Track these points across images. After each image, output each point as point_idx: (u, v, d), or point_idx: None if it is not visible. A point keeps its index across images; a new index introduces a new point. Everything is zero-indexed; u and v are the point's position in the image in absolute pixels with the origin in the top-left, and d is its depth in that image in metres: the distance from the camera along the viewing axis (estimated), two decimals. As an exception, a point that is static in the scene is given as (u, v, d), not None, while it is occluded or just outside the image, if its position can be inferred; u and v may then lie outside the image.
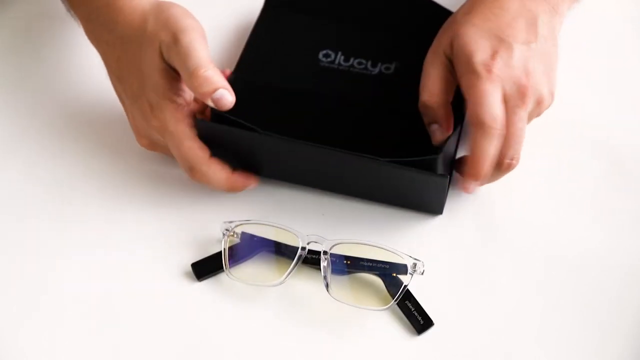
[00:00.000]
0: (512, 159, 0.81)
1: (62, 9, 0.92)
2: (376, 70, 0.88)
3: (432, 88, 0.83)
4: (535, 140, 0.86)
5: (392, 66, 0.89)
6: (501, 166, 0.81)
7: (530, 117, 0.82)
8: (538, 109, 0.82)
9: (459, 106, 0.83)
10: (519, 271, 0.82)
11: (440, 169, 0.80)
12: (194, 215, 0.86)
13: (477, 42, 0.81)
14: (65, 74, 0.95)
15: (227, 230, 0.82)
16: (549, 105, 0.82)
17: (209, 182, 0.85)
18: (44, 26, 0.99)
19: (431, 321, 0.78)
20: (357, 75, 0.88)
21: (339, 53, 0.89)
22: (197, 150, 0.83)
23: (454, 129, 0.83)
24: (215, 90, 0.80)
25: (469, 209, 0.86)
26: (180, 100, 0.83)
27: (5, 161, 0.90)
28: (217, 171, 0.84)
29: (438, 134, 0.83)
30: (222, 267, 0.82)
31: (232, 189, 0.85)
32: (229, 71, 0.89)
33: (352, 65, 0.89)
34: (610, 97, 0.91)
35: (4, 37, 0.99)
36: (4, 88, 0.95)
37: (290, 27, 0.92)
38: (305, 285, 0.81)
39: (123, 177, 0.88)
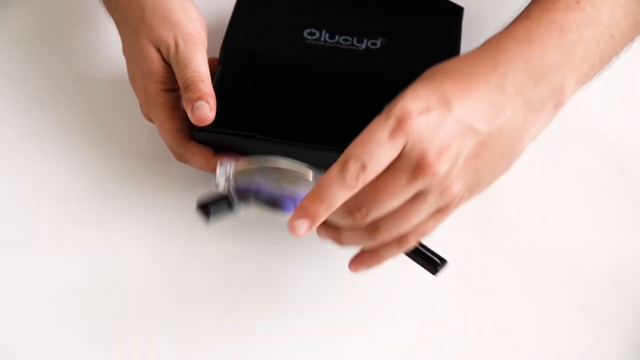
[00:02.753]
0: (366, 215, 0.68)
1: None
2: (363, 45, 0.88)
3: None
4: (534, 140, 0.86)
5: (378, 42, 0.88)
6: (353, 214, 0.69)
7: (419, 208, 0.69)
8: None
9: None
10: (518, 271, 0.82)
11: None
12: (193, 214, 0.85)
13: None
14: (63, 75, 0.95)
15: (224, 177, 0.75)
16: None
17: (191, 165, 0.84)
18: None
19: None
20: (345, 51, 0.88)
21: (324, 31, 0.89)
22: (174, 133, 0.83)
23: None
24: (199, 98, 0.81)
25: (468, 209, 0.85)
26: (163, 86, 0.83)
27: (4, 160, 0.89)
28: (196, 154, 0.83)
29: None
30: (231, 207, 0.74)
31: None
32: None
33: (338, 42, 0.88)
34: (611, 97, 0.92)
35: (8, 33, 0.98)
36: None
37: (270, 9, 0.91)
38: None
39: (121, 177, 0.87)
